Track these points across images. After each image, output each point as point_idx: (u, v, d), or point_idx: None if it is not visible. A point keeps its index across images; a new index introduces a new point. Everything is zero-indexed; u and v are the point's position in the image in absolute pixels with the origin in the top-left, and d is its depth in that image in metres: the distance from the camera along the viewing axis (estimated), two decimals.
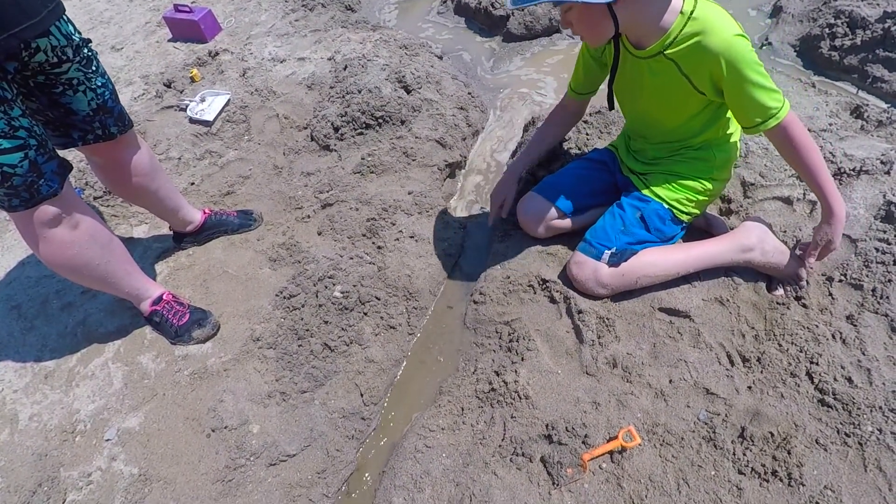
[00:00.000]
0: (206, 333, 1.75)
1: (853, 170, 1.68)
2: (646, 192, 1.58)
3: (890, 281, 1.48)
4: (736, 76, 1.26)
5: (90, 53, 1.41)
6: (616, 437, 1.34)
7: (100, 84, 1.44)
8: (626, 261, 1.54)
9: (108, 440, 1.61)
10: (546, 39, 2.83)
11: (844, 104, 1.95)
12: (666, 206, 1.55)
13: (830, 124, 1.84)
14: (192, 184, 2.31)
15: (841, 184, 1.68)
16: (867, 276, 1.51)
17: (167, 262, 2.04)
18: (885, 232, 1.56)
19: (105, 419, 1.65)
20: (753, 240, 1.53)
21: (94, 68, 1.41)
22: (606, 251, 1.54)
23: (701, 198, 1.56)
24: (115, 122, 1.52)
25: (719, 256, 1.55)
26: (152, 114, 2.57)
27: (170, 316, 1.75)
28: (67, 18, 1.37)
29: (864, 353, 1.39)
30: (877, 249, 1.53)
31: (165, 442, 1.57)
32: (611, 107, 1.60)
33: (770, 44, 2.42)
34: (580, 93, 1.70)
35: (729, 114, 1.47)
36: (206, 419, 1.59)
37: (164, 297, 1.77)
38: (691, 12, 1.28)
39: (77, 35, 1.38)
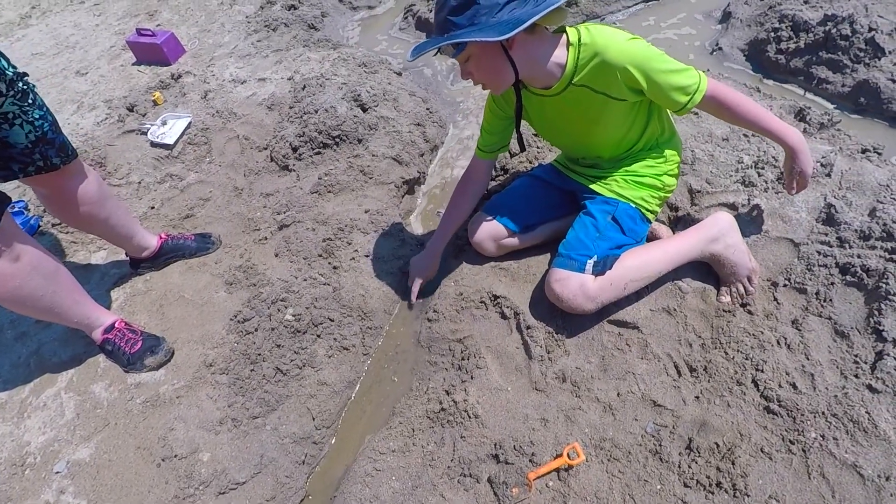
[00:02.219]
0: (158, 360, 1.73)
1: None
2: (610, 194, 1.57)
3: (832, 284, 1.49)
4: (648, 74, 1.32)
5: (25, 87, 1.40)
6: (561, 455, 1.34)
7: (38, 116, 1.43)
8: (610, 268, 1.48)
9: (57, 472, 1.58)
10: None
11: (788, 107, 1.97)
12: (633, 206, 1.55)
13: None
14: (152, 208, 2.30)
15: (790, 194, 1.69)
16: (810, 279, 1.52)
17: (124, 288, 2.03)
18: (826, 235, 1.57)
19: (55, 451, 1.63)
20: (718, 231, 1.52)
21: (30, 101, 1.41)
22: (589, 260, 1.48)
23: (661, 194, 1.58)
24: (56, 153, 1.51)
25: (692, 248, 1.53)
26: (114, 138, 2.56)
27: (122, 344, 1.74)
28: (0, 53, 1.37)
29: (808, 358, 1.40)
30: (819, 252, 1.54)
31: (115, 473, 1.55)
32: (521, 149, 1.64)
33: (720, 49, 2.45)
34: (490, 151, 1.68)
35: (660, 110, 1.53)
36: (156, 448, 1.57)
37: (117, 324, 1.76)
38: (579, 40, 1.34)
39: (11, 69, 1.38)
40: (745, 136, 1.86)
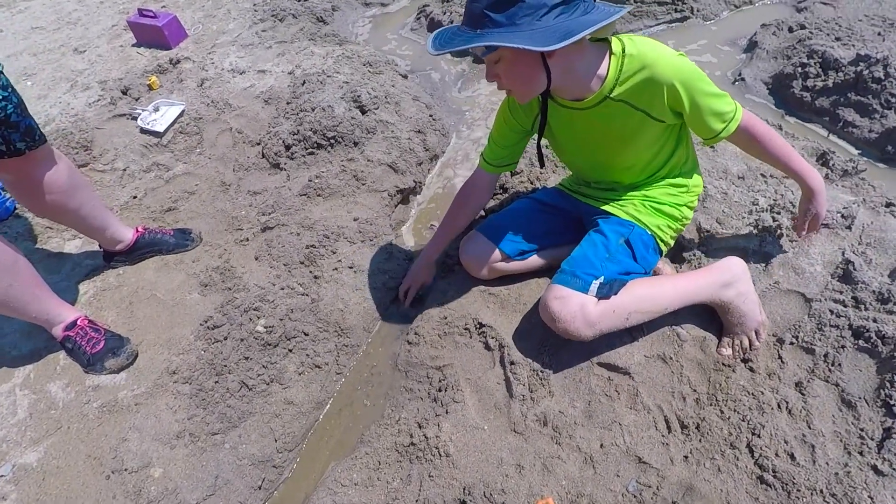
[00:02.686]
0: (119, 363, 1.64)
1: None
2: (626, 216, 1.46)
3: (843, 347, 1.37)
4: (694, 95, 1.25)
5: None
6: None
7: (0, 98, 1.33)
8: (615, 293, 1.35)
9: (1, 476, 1.49)
10: None
11: (811, 149, 1.86)
12: (649, 233, 1.44)
13: None
14: (134, 197, 2.21)
15: (799, 236, 1.59)
16: (820, 339, 1.40)
17: (95, 281, 1.93)
18: (841, 293, 1.46)
19: (3, 452, 1.53)
20: (731, 277, 1.41)
21: None
22: (595, 281, 1.32)
23: (677, 225, 1.49)
24: (21, 138, 1.42)
25: (701, 291, 1.41)
26: (103, 121, 2.47)
27: (83, 343, 1.64)
28: None
29: (809, 427, 1.28)
30: (831, 311, 1.43)
31: (62, 482, 1.46)
32: (541, 165, 1.53)
33: (743, 79, 2.33)
34: (497, 165, 1.56)
35: (688, 138, 1.46)
36: (107, 459, 1.48)
37: (79, 322, 1.66)
38: (623, 51, 1.23)
39: None
40: (763, 175, 1.75)
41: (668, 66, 1.21)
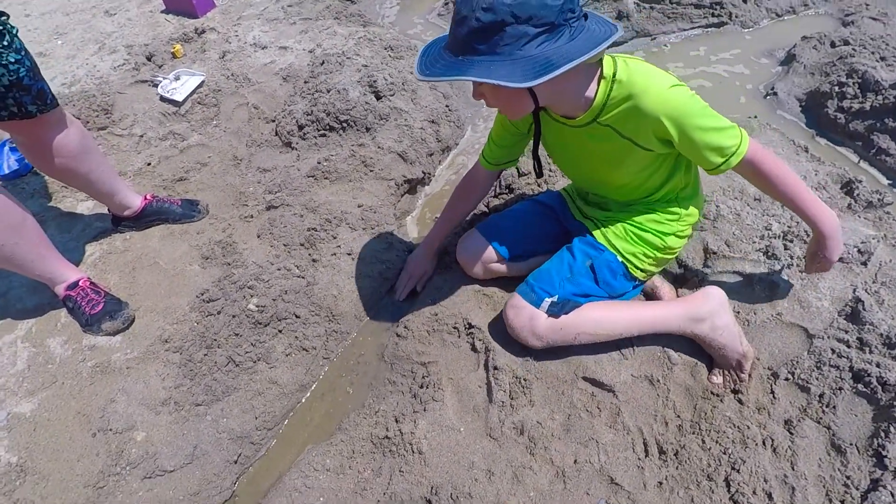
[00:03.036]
0: (115, 327, 1.67)
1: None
2: (601, 239, 1.43)
3: (841, 389, 1.32)
4: (683, 129, 1.17)
5: (2, 28, 1.32)
6: None
7: (13, 60, 1.35)
8: (566, 313, 1.38)
9: None
10: None
11: (836, 176, 1.77)
12: (620, 259, 1.41)
13: None
14: (149, 164, 2.24)
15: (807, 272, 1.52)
16: (817, 378, 1.35)
17: (102, 243, 1.97)
18: (846, 332, 1.40)
19: (0, 400, 1.59)
20: (707, 310, 1.38)
21: (5, 43, 1.33)
22: (547, 299, 1.38)
23: (660, 255, 1.42)
24: (32, 101, 1.44)
25: (668, 322, 1.40)
26: (125, 86, 2.50)
27: (83, 303, 1.68)
28: None
29: (793, 468, 1.24)
30: (833, 350, 1.37)
31: (51, 434, 1.50)
32: (538, 175, 1.49)
33: (775, 94, 2.23)
34: (496, 164, 1.54)
35: (689, 163, 1.37)
36: (95, 417, 1.52)
37: (81, 283, 1.70)
38: (614, 75, 1.17)
39: None
40: None
41: (656, 99, 1.15)
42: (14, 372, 1.65)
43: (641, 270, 1.43)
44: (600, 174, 1.39)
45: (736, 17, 2.62)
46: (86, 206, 2.11)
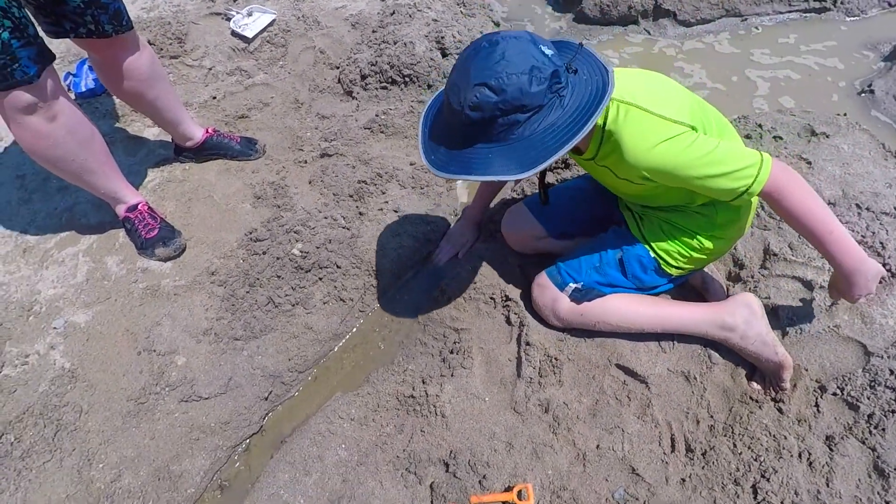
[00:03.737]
0: (167, 253, 1.74)
1: None
2: (635, 232, 1.39)
3: (893, 412, 1.24)
4: (677, 179, 1.13)
5: None
6: (511, 490, 1.23)
7: None
8: (589, 300, 1.38)
9: (55, 328, 1.65)
10: (620, 28, 2.53)
11: None
12: (652, 255, 1.36)
13: None
14: (214, 97, 2.27)
15: (881, 284, 1.42)
16: (869, 397, 1.27)
17: (163, 170, 2.04)
18: None
19: (59, 308, 1.69)
20: (737, 320, 1.33)
21: None
22: (572, 284, 1.39)
23: (696, 255, 1.35)
24: (109, 20, 1.47)
25: (693, 326, 1.37)
26: (200, 17, 2.53)
27: (140, 227, 1.75)
28: None
29: (828, 485, 1.19)
30: (892, 371, 1.28)
31: (101, 346, 1.60)
32: (543, 202, 1.51)
33: (872, 92, 2.04)
34: None
35: None
36: (141, 337, 1.60)
37: (140, 206, 1.77)
38: (604, 126, 1.15)
39: None
40: (858, 206, 1.55)
41: (640, 157, 1.12)
42: (74, 283, 1.75)
43: (676, 267, 1.37)
44: (622, 191, 1.37)
45: (841, 2, 2.39)
46: (151, 132, 2.17)
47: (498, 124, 1.03)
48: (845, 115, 1.82)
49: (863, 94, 2.08)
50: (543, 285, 1.44)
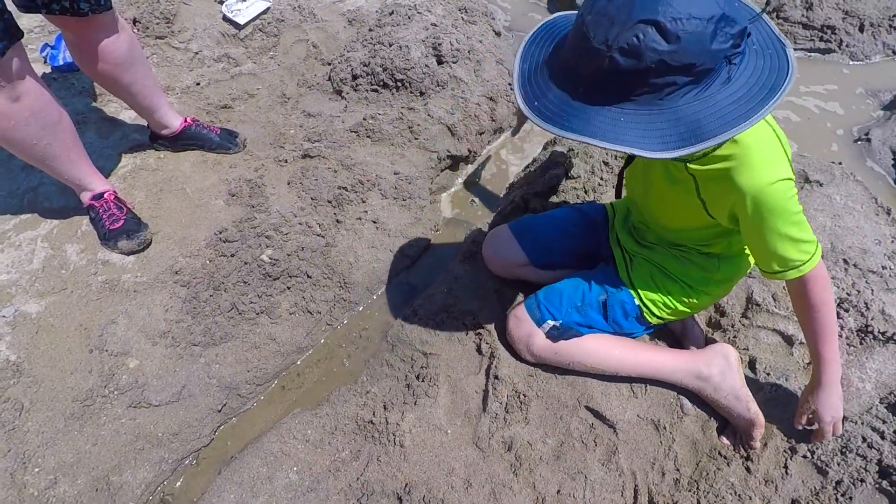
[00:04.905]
0: (130, 247, 1.66)
1: (882, 334, 1.38)
2: (623, 276, 1.34)
3: (862, 481, 1.21)
4: (760, 221, 1.00)
5: None
6: None
7: None
8: (566, 339, 1.33)
9: (3, 317, 1.56)
10: None
11: None
12: (637, 302, 1.31)
13: (884, 268, 1.49)
14: (198, 84, 2.18)
15: (861, 344, 1.38)
16: (839, 464, 1.24)
17: (136, 156, 1.95)
18: (884, 422, 1.27)
19: (10, 295, 1.60)
20: (713, 371, 1.29)
21: None
22: (550, 321, 1.33)
23: (681, 308, 1.31)
24: None
25: (669, 373, 1.33)
26: None
27: (104, 217, 1.67)
28: None
29: None
30: (864, 438, 1.25)
31: (51, 341, 1.52)
32: (617, 195, 1.38)
33: (868, 140, 2.01)
34: None
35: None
36: (94, 334, 1.52)
37: (106, 195, 1.68)
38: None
39: None
40: (846, 262, 1.52)
41: (754, 182, 0.96)
42: (29, 270, 1.66)
43: (658, 318, 1.33)
44: (655, 208, 1.27)
45: (846, 45, 2.36)
46: (128, 114, 2.07)
47: (649, 81, 0.79)
48: (840, 163, 1.79)
49: (859, 142, 2.05)
50: (520, 318, 1.38)
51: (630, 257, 1.36)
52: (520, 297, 1.55)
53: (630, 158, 1.27)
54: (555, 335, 1.33)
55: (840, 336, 1.39)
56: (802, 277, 1.04)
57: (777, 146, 0.99)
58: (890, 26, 2.40)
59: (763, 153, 0.97)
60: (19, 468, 1.32)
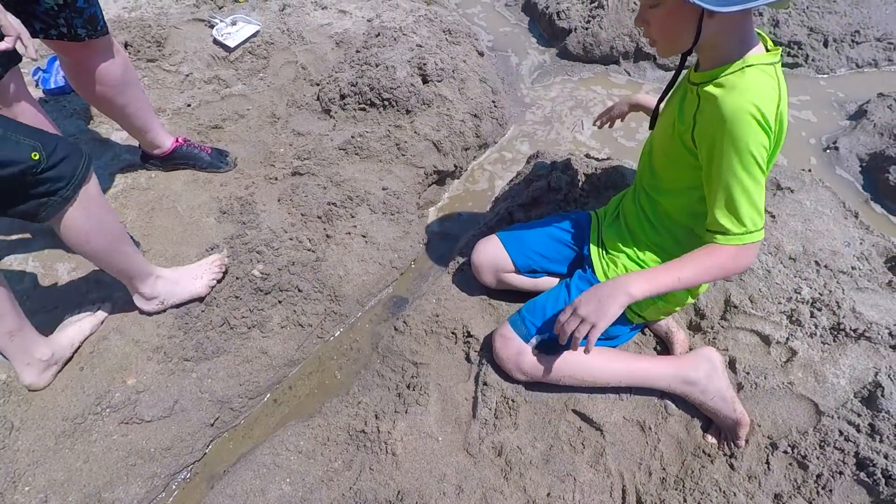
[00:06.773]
0: None
1: (854, 331, 1.43)
2: (600, 276, 1.38)
3: (841, 473, 1.25)
4: (721, 156, 1.06)
5: None
6: None
7: None
8: (556, 353, 1.35)
9: None
10: (602, 67, 2.57)
11: (882, 249, 1.65)
12: None
13: (853, 268, 1.56)
14: (189, 105, 2.23)
15: (835, 341, 1.43)
16: (818, 458, 1.28)
17: (127, 176, 1.98)
18: (859, 416, 1.31)
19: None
20: (700, 374, 1.33)
21: None
22: (537, 336, 1.35)
23: (660, 303, 1.35)
24: (83, 25, 1.42)
25: (658, 380, 1.36)
26: (182, 21, 2.49)
27: None
28: None
29: None
30: (841, 432, 1.29)
31: None
32: (651, 126, 1.39)
33: (836, 148, 2.10)
34: None
35: None
36: (85, 352, 1.53)
37: None
38: (749, 65, 1.06)
39: None
40: (818, 263, 1.58)
41: (734, 105, 1.03)
42: (20, 289, 1.67)
43: (639, 316, 1.37)
44: (658, 164, 1.31)
45: (812, 60, 2.47)
46: (120, 135, 2.11)
47: None
48: (810, 171, 1.86)
49: (828, 151, 2.14)
50: (507, 337, 1.38)
51: (609, 252, 1.39)
52: (508, 308, 1.59)
53: (671, 85, 1.29)
54: (544, 349, 1.35)
55: (813, 334, 1.44)
56: (732, 248, 1.09)
57: (773, 98, 1.05)
58: (853, 41, 2.52)
59: (755, 84, 1.04)
60: (9, 487, 1.31)
